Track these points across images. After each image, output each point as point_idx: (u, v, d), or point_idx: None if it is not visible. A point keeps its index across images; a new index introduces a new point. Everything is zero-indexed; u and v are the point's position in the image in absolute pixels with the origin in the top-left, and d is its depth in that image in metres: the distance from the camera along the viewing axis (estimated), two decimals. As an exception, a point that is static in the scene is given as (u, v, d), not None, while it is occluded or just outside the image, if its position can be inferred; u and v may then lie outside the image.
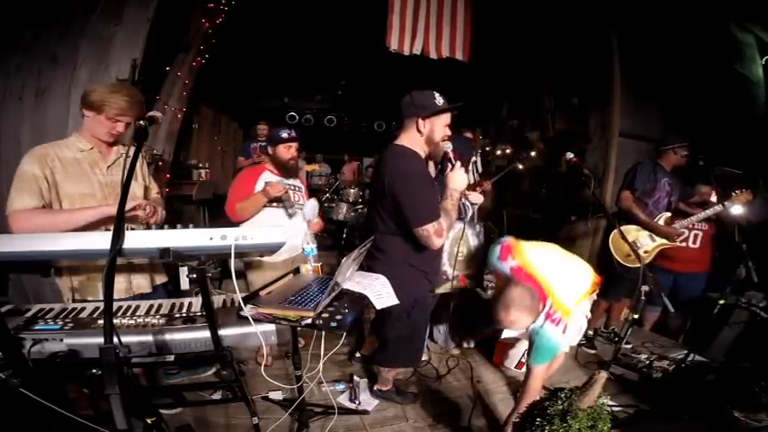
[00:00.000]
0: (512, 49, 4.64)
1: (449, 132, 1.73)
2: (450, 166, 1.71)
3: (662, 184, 2.74)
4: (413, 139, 1.73)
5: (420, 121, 1.69)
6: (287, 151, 2.24)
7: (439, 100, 1.69)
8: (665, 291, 2.00)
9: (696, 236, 2.83)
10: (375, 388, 2.18)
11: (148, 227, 1.47)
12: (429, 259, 1.83)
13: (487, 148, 6.06)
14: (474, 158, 2.40)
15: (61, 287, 1.51)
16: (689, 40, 3.79)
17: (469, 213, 2.52)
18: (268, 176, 2.23)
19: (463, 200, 2.47)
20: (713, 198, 2.71)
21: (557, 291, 1.74)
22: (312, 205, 2.22)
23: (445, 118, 1.72)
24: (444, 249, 2.21)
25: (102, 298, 1.46)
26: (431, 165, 1.89)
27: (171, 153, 3.62)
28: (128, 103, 1.46)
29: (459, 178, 1.68)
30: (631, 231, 2.66)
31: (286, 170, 2.26)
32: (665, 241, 2.64)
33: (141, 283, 1.63)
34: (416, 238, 1.65)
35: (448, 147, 1.71)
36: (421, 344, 2.12)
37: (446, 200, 1.69)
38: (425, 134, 1.71)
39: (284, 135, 2.23)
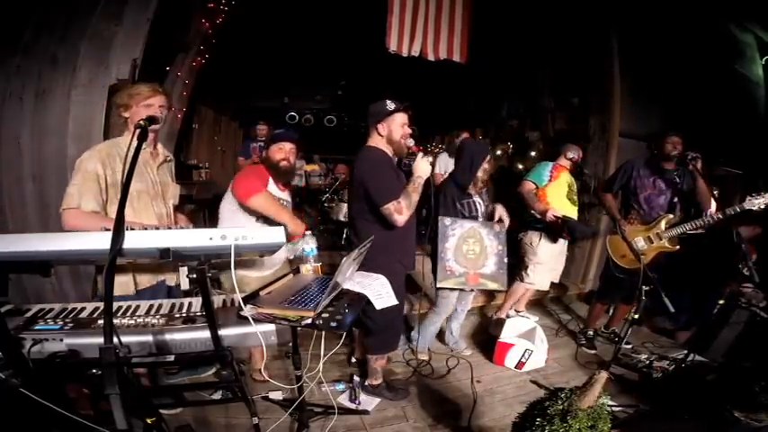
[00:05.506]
0: (512, 49, 4.64)
1: (408, 130, 2.02)
2: (415, 157, 1.97)
3: (650, 181, 2.69)
4: (377, 141, 2.04)
5: (378, 125, 2.01)
6: (278, 152, 2.09)
7: (390, 105, 1.98)
8: (664, 291, 2.00)
9: None
10: (366, 383, 2.21)
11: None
12: (398, 240, 2.02)
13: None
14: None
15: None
16: (689, 40, 3.80)
17: (480, 210, 2.52)
18: (271, 187, 2.08)
19: (474, 198, 2.52)
20: (713, 202, 2.59)
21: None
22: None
23: (400, 118, 1.99)
24: (449, 247, 2.40)
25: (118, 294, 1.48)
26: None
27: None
28: (150, 88, 1.60)
29: (421, 166, 1.93)
30: (630, 234, 2.63)
31: (278, 174, 2.10)
32: (664, 243, 2.58)
33: (142, 280, 1.65)
34: (383, 218, 1.91)
35: (410, 142, 2.01)
36: (398, 326, 2.29)
37: (409, 184, 1.94)
38: (385, 135, 2.01)
39: (277, 133, 2.20)
